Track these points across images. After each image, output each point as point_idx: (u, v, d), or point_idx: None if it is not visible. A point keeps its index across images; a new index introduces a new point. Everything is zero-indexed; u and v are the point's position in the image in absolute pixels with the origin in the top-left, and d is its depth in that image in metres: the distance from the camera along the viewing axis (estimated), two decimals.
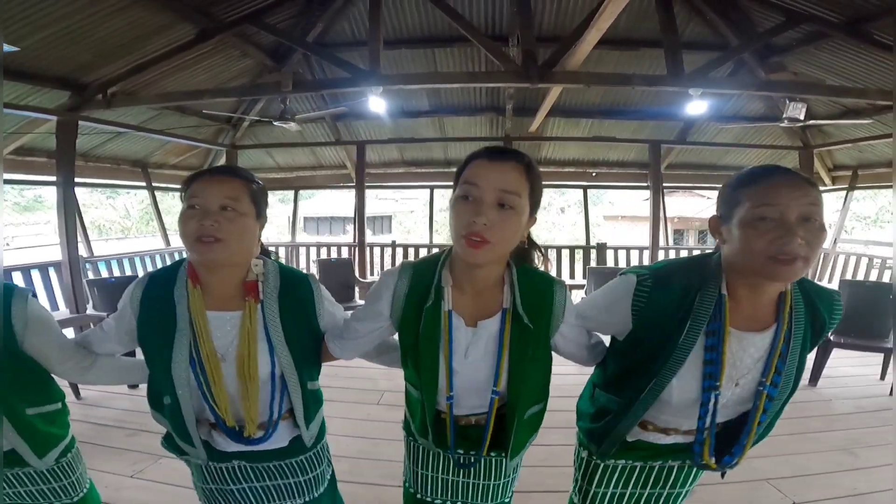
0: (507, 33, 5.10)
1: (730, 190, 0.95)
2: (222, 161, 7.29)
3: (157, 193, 6.90)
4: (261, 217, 1.11)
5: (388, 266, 7.14)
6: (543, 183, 1.01)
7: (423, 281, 1.05)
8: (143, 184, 6.61)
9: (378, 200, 19.40)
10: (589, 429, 1.18)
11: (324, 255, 7.22)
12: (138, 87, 4.76)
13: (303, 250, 7.42)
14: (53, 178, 4.75)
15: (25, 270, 4.51)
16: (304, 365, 1.14)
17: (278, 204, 14.77)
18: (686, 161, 7.28)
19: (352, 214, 7.01)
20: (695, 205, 13.99)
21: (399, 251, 7.12)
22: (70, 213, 4.39)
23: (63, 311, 4.46)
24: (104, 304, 3.83)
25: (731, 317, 0.97)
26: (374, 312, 1.09)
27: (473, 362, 1.05)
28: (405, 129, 6.87)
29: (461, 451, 1.15)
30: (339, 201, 18.64)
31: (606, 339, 1.22)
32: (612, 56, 5.29)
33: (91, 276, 4.98)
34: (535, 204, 0.99)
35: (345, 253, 7.06)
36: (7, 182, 5.33)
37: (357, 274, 5.68)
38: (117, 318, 1.16)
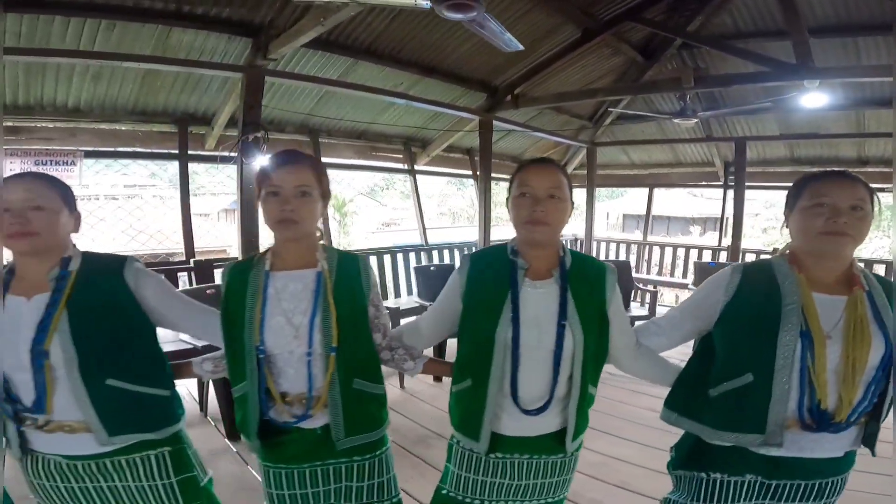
0: None
1: None
2: (581, 157, 7.67)
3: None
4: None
5: None
6: None
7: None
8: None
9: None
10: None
11: (672, 257, 6.86)
12: (530, 88, 5.24)
13: (656, 250, 7.22)
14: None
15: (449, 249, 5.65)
16: None
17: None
18: None
19: (688, 215, 6.39)
20: None
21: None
22: (487, 202, 5.25)
23: None
24: None
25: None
26: None
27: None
28: (800, 124, 5.79)
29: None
30: (665, 200, 17.50)
31: None
32: None
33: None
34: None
35: (706, 257, 6.52)
36: (437, 174, 6.84)
37: None
38: (697, 305, 1.30)
